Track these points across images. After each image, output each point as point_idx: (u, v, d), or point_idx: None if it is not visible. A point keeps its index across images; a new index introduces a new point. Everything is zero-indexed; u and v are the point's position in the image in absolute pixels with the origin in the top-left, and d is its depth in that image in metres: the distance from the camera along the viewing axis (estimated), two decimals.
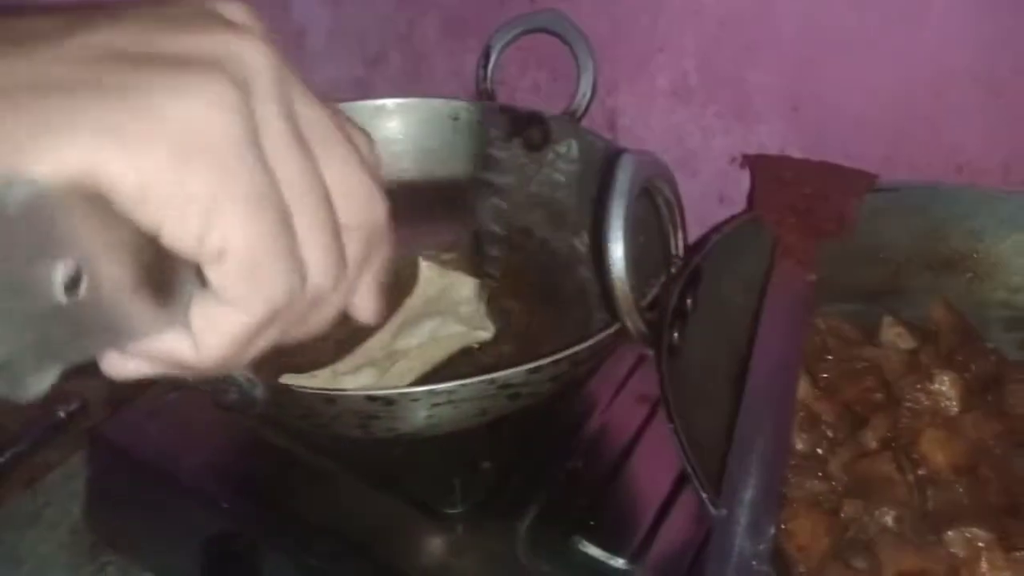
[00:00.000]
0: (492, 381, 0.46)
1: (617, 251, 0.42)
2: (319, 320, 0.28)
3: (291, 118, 0.25)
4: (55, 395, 0.23)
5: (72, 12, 0.24)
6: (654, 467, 0.58)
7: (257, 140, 0.24)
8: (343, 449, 0.57)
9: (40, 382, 0.22)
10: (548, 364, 0.47)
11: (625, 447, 0.59)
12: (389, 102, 0.70)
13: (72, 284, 0.22)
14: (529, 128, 0.69)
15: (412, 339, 0.63)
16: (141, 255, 0.23)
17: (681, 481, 0.56)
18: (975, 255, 0.58)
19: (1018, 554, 0.44)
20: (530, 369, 0.46)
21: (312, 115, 0.26)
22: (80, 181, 0.21)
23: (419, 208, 0.69)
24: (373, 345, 0.62)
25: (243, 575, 0.54)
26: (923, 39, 0.57)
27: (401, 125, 0.70)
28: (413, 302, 0.67)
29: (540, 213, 0.70)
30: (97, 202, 0.22)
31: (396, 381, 0.58)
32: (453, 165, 0.71)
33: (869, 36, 0.59)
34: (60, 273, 0.21)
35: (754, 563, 0.36)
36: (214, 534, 0.56)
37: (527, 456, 0.58)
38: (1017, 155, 0.59)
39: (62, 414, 0.54)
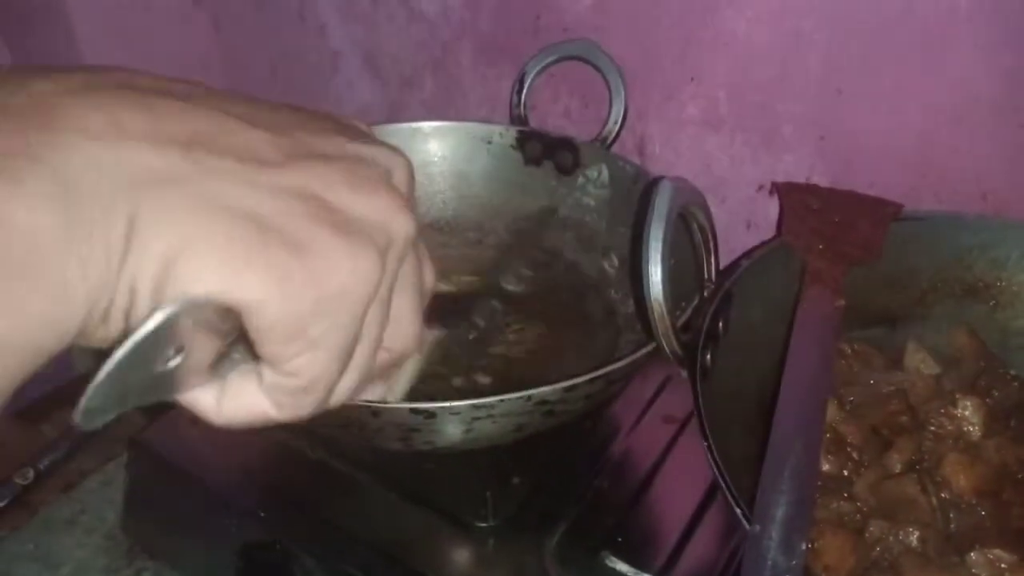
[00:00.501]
0: (529, 398, 0.47)
1: (656, 274, 0.44)
2: (321, 409, 0.31)
3: (396, 275, 0.29)
4: None
5: (289, 137, 0.28)
6: (680, 485, 0.58)
7: (371, 301, 0.28)
8: (377, 461, 0.59)
9: (105, 419, 0.25)
10: (583, 382, 0.48)
11: (652, 466, 0.60)
12: (425, 125, 0.72)
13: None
14: (560, 152, 0.71)
15: None
16: (226, 341, 0.27)
17: (707, 499, 0.57)
18: (999, 283, 0.58)
19: None
20: (566, 387, 0.47)
21: (410, 265, 0.31)
22: (232, 304, 0.25)
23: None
24: None
25: None
26: (946, 68, 0.58)
27: (436, 147, 0.72)
28: None
29: (570, 236, 0.72)
30: (226, 311, 0.25)
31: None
32: (486, 186, 0.73)
33: (893, 65, 0.60)
34: (171, 356, 0.25)
35: None
36: (250, 542, 0.57)
37: (557, 473, 0.59)
38: None
39: None
